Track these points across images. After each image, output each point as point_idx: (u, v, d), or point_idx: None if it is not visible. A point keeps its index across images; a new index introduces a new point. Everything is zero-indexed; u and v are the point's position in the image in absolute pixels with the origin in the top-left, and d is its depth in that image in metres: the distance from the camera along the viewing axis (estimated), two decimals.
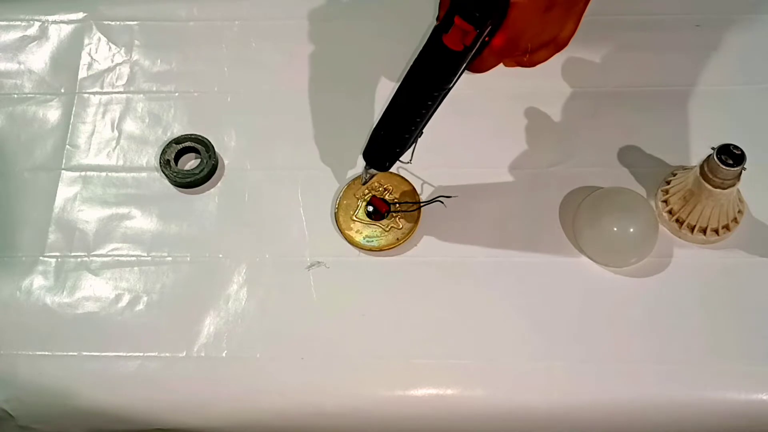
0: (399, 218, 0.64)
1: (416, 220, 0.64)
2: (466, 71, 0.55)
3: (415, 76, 0.55)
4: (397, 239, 0.63)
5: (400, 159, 0.59)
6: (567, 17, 0.59)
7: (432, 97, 0.55)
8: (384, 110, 0.58)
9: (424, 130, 0.58)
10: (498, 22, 0.53)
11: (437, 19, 0.56)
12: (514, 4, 0.53)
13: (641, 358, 0.59)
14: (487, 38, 0.53)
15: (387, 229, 0.64)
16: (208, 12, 0.75)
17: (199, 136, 0.68)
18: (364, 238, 0.64)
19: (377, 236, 0.64)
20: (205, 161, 0.67)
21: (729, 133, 0.63)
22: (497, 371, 0.59)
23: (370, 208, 0.64)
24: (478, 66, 0.57)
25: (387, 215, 0.64)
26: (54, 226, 0.66)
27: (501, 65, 0.57)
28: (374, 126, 0.59)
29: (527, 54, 0.59)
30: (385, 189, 0.65)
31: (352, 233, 0.64)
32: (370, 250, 0.64)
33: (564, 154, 0.67)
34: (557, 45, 0.60)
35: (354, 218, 0.64)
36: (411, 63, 0.54)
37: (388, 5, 0.74)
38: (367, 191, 0.65)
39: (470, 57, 0.53)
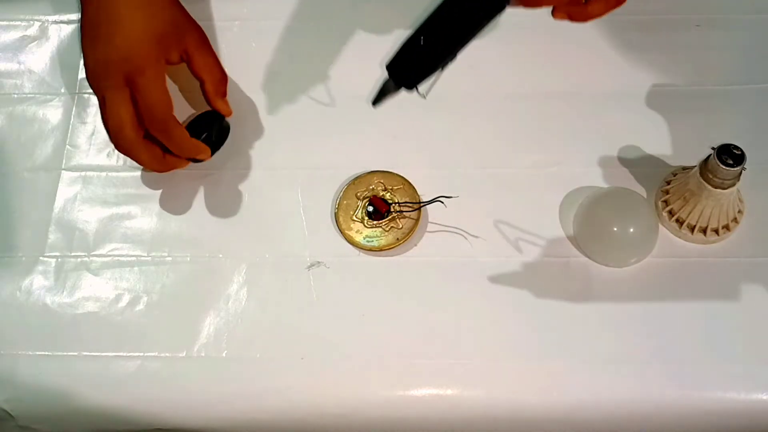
0: (399, 218, 0.64)
1: (416, 220, 0.64)
2: (518, 6, 0.52)
3: None
4: (397, 239, 0.63)
5: (419, 92, 0.55)
6: None
7: (487, 16, 0.51)
8: (426, 20, 0.53)
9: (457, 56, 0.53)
10: None
11: None
12: None
13: (641, 358, 0.59)
14: None
15: (387, 229, 0.64)
16: (208, 12, 0.74)
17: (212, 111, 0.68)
18: (364, 238, 0.64)
19: (377, 236, 0.64)
20: (216, 127, 0.67)
21: (729, 133, 0.63)
22: (497, 371, 0.59)
23: (370, 208, 0.64)
24: None
25: (387, 215, 0.64)
26: (54, 226, 0.66)
27: (551, 18, 0.55)
28: (410, 35, 0.53)
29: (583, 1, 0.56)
30: (386, 189, 0.65)
31: (352, 233, 0.64)
32: (370, 250, 0.64)
33: (564, 154, 0.67)
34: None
35: (354, 218, 0.64)
36: None
37: (390, 4, 0.74)
38: (367, 191, 0.65)
39: None
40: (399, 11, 0.74)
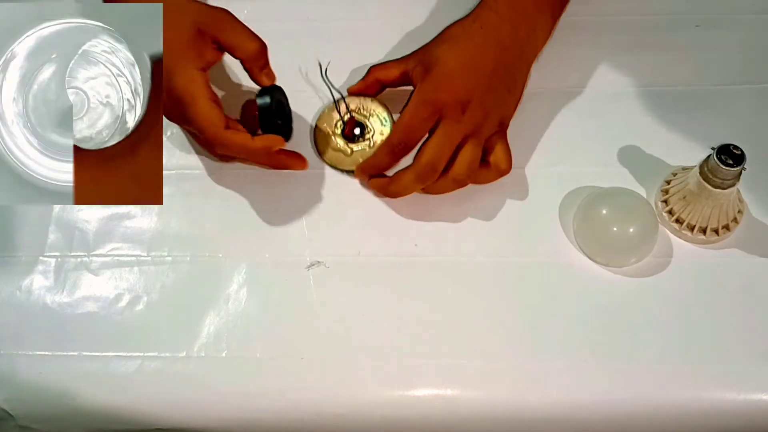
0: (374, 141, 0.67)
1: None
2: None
3: None
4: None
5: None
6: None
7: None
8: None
9: None
10: None
11: None
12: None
13: (641, 358, 0.59)
14: None
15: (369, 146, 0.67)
16: None
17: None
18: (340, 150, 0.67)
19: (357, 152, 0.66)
20: (277, 105, 0.65)
21: (729, 133, 0.63)
22: (497, 371, 0.59)
23: (355, 130, 0.67)
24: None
25: (362, 135, 0.67)
26: (54, 226, 0.66)
27: None
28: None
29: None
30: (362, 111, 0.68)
31: (326, 147, 0.67)
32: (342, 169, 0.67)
33: (564, 154, 0.67)
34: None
35: (332, 133, 0.67)
36: None
37: (389, 5, 0.74)
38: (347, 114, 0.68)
39: None
40: (398, 11, 0.74)
